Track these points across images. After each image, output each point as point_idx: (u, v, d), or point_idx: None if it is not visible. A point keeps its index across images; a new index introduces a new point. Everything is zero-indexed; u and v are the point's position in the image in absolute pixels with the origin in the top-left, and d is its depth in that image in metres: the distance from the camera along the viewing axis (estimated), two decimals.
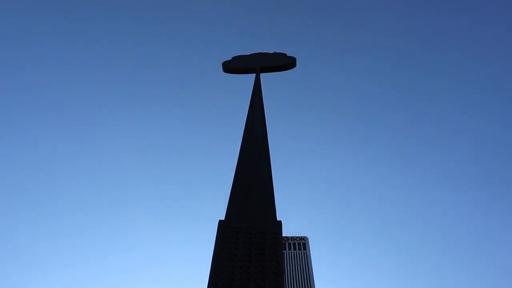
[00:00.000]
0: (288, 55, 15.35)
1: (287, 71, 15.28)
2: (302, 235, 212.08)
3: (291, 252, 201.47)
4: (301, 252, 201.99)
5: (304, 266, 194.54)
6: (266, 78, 14.65)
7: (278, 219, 7.36)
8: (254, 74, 13.99)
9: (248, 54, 15.68)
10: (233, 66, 15.24)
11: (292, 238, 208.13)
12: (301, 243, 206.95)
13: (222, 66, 15.37)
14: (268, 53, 15.50)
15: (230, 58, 15.58)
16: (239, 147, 9.44)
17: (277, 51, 15.48)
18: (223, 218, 7.29)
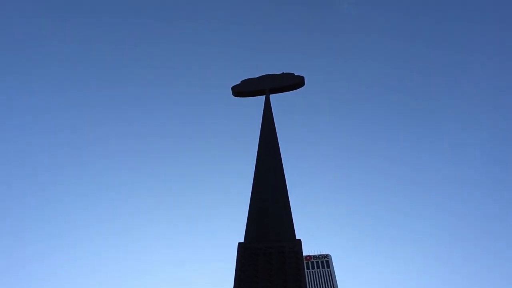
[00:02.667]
0: (295, 74, 15.52)
1: (296, 90, 15.43)
2: (325, 253, 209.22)
3: (314, 271, 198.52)
4: (324, 271, 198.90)
5: (328, 284, 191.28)
6: (276, 98, 14.82)
7: (298, 237, 7.34)
8: (264, 96, 14.16)
9: (257, 77, 15.90)
10: (242, 89, 15.44)
11: (315, 256, 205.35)
12: (324, 261, 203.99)
13: (232, 90, 15.58)
14: (276, 74, 15.70)
15: (239, 82, 15.81)
16: (254, 167, 9.53)
17: (284, 71, 15.67)
18: (242, 240, 7.33)
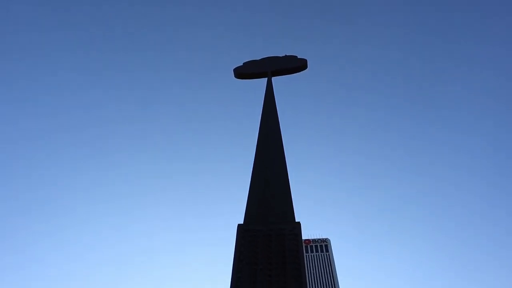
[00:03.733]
0: (298, 57, 15.39)
1: (298, 73, 15.32)
2: (324, 237, 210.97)
3: (313, 255, 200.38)
4: (323, 254, 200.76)
5: (327, 268, 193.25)
6: (278, 81, 14.72)
7: (297, 221, 7.36)
8: (266, 78, 14.06)
9: (259, 58, 15.77)
10: (245, 71, 15.33)
11: (314, 240, 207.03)
12: (323, 245, 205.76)
13: (234, 72, 15.48)
14: (278, 56, 15.56)
15: (241, 64, 15.69)
16: (255, 151, 9.50)
17: (287, 54, 15.53)
18: (241, 222, 7.34)
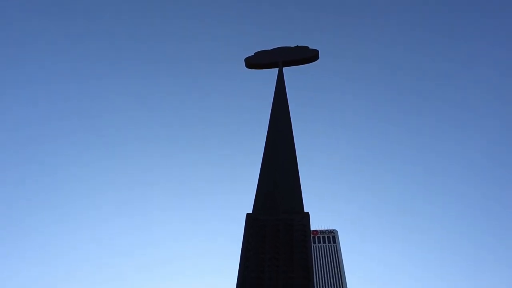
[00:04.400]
0: (310, 48, 15.30)
1: (309, 64, 15.24)
2: (332, 228, 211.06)
3: (320, 246, 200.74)
4: (330, 245, 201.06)
5: (334, 259, 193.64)
6: (290, 72, 14.66)
7: (306, 211, 7.38)
8: (277, 69, 14.01)
9: (270, 49, 15.70)
10: (256, 61, 15.27)
11: (322, 231, 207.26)
12: (331, 236, 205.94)
13: (245, 62, 15.43)
14: (290, 47, 15.48)
15: (253, 54, 15.64)
16: (265, 141, 9.51)
17: (299, 45, 15.44)
18: (250, 211, 7.38)
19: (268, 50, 15.65)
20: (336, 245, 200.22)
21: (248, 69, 15.53)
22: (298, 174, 8.33)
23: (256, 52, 15.68)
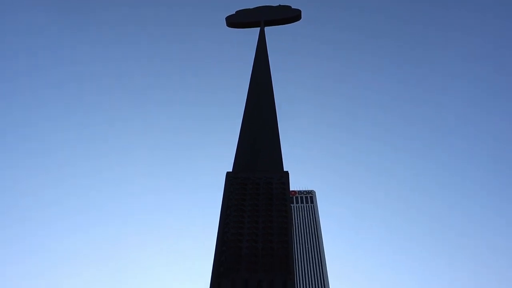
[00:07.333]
0: (292, 7, 15.15)
1: (291, 24, 15.13)
2: (310, 188, 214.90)
3: (298, 206, 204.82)
4: (308, 206, 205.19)
5: (311, 219, 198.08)
6: (272, 31, 14.54)
7: (285, 170, 7.54)
8: (259, 28, 13.88)
9: (252, 7, 15.49)
10: (237, 20, 15.10)
11: (300, 192, 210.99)
12: (309, 197, 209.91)
13: (226, 20, 15.23)
14: (272, 6, 15.30)
15: (234, 13, 15.41)
16: (245, 99, 9.55)
17: (281, 4, 15.26)
18: (230, 170, 7.50)
19: (250, 8, 15.44)
20: (313, 205, 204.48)
21: (229, 27, 15.35)
22: (278, 134, 8.45)
23: (237, 11, 15.46)
